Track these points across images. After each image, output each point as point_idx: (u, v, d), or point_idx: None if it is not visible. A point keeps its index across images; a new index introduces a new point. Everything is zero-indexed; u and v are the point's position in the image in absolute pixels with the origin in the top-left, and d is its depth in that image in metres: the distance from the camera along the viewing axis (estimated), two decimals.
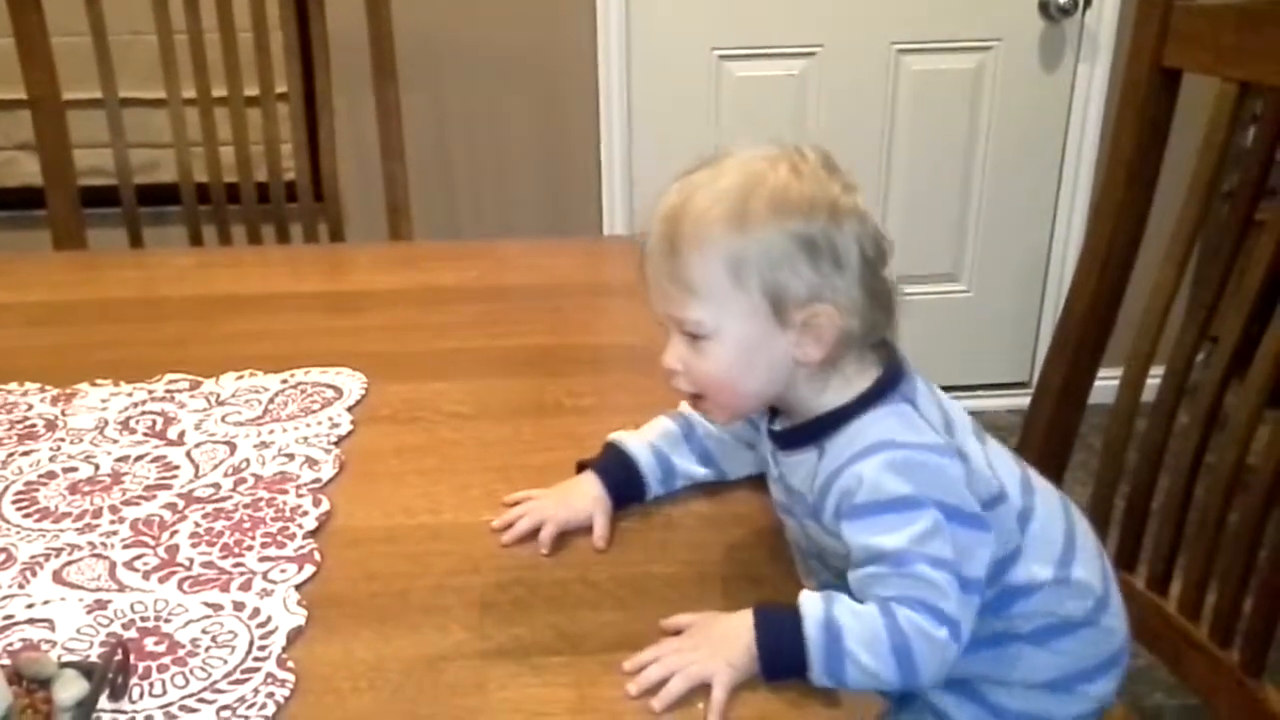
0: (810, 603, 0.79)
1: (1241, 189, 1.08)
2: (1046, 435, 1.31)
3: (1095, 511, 1.22)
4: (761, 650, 0.77)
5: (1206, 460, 1.12)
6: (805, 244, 0.81)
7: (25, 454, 1.06)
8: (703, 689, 0.75)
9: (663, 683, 0.76)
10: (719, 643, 0.78)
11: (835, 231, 0.81)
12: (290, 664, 0.78)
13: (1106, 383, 1.24)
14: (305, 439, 1.07)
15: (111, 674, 0.73)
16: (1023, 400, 1.45)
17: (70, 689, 0.70)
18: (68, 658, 0.76)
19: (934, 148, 2.60)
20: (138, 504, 0.97)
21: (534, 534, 0.93)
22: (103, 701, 0.72)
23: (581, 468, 0.99)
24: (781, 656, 0.77)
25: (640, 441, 0.99)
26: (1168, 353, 1.15)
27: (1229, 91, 1.09)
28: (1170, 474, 1.15)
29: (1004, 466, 0.93)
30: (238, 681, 0.76)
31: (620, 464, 0.98)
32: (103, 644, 0.79)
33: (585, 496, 0.95)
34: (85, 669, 0.72)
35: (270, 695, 0.75)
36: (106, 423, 1.11)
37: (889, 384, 0.86)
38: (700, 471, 1.00)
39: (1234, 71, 1.08)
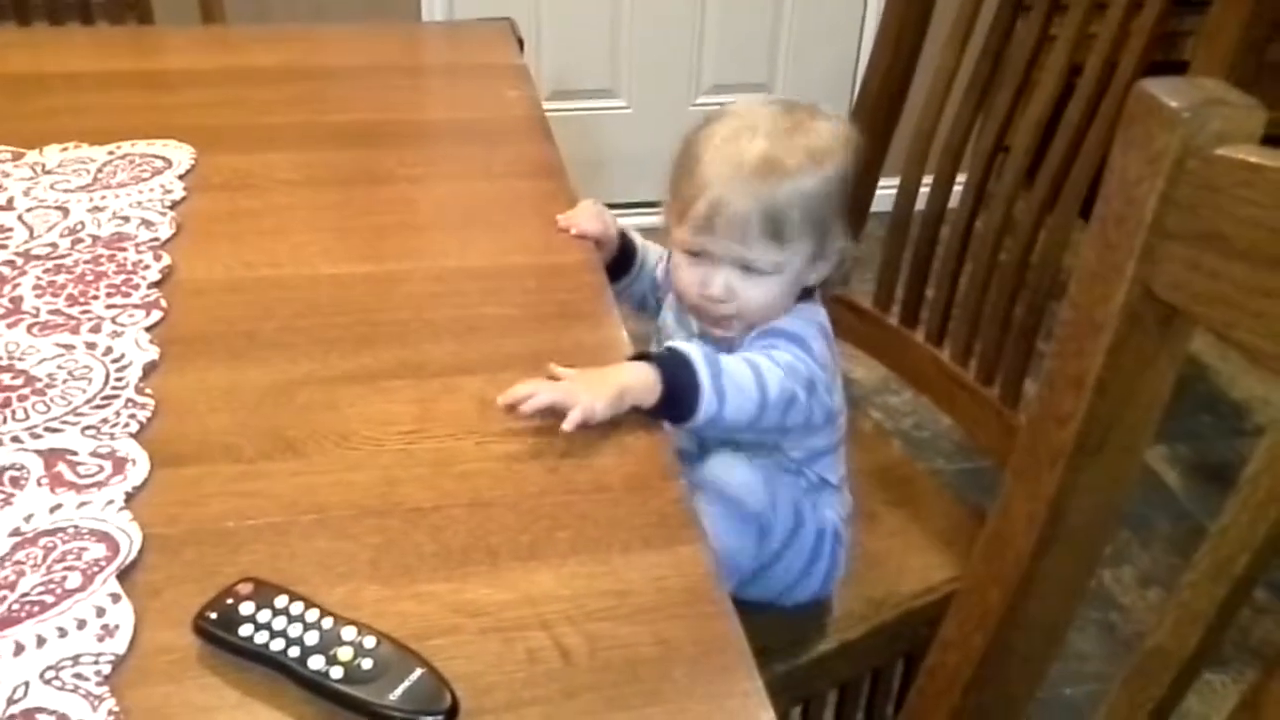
0: (684, 346, 0.88)
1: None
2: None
3: (883, 274, 1.36)
4: (667, 380, 0.83)
5: (975, 227, 1.26)
6: (842, 186, 0.93)
7: None
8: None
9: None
10: (593, 382, 0.81)
11: (849, 170, 0.94)
12: (148, 391, 0.83)
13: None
14: (139, 204, 1.09)
15: None
16: None
17: None
18: None
19: None
20: None
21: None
22: None
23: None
24: (679, 384, 0.84)
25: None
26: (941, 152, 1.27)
27: None
28: (944, 246, 1.29)
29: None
30: (99, 406, 0.81)
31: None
32: None
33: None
34: None
35: (133, 416, 0.80)
36: None
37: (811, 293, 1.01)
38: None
39: None
